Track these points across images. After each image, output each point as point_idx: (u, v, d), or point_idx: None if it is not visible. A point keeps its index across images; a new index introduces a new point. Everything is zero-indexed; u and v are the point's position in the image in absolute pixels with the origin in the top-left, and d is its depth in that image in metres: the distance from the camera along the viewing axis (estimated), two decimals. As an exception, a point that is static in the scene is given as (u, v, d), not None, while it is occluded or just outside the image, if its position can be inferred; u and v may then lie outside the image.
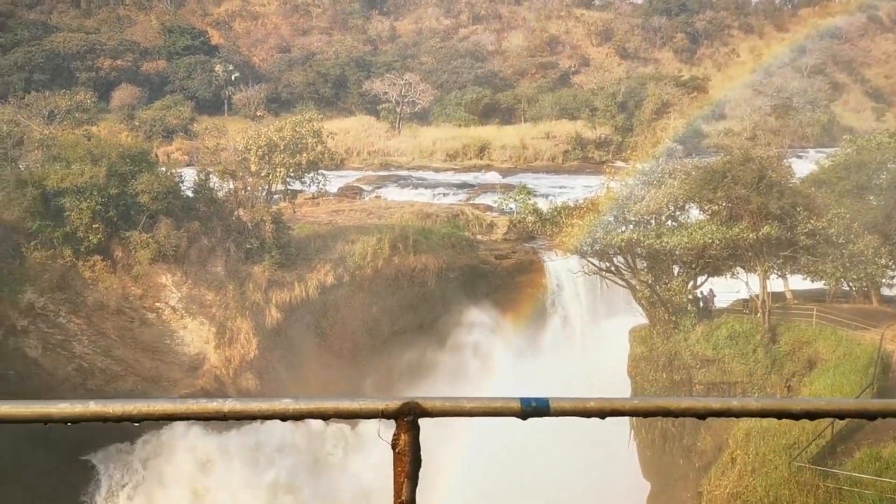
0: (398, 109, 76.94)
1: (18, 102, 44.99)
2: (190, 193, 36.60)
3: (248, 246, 36.13)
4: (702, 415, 2.37)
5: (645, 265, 33.33)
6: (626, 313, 35.03)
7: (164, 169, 36.61)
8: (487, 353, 39.46)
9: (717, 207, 31.63)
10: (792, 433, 24.75)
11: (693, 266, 32.49)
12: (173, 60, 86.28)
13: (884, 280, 32.60)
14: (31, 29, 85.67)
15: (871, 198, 33.01)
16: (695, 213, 33.70)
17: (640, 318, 34.20)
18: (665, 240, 31.08)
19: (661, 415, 2.38)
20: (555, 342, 40.38)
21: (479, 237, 44.02)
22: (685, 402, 2.36)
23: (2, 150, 36.10)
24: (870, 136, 40.82)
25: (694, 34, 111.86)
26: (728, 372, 31.23)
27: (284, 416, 2.18)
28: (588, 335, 40.85)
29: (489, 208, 50.11)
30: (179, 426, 32.59)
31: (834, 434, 24.09)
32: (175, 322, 34.54)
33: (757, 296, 31.81)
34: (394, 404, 2.22)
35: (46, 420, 2.09)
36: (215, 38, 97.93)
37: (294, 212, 40.61)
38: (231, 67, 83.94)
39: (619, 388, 33.59)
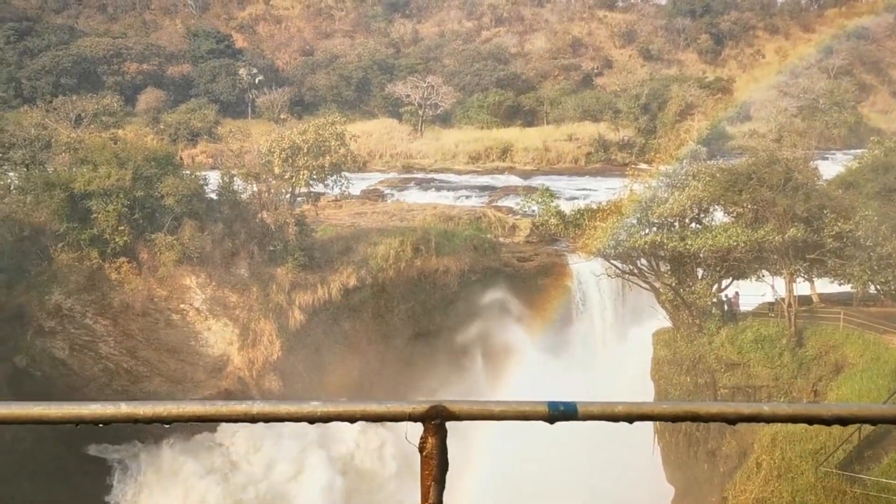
0: (420, 112, 77.07)
1: (46, 106, 45.59)
2: (214, 196, 36.90)
3: (272, 248, 36.36)
4: (732, 420, 2.34)
5: (668, 268, 33.11)
6: (651, 317, 34.81)
7: (188, 172, 36.94)
8: (510, 356, 39.39)
9: (741, 210, 31.36)
10: (818, 438, 24.45)
11: (717, 269, 32.23)
12: (198, 64, 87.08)
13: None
14: (59, 34, 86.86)
15: (900, 200, 32.54)
16: (719, 216, 33.44)
17: (663, 321, 33.98)
18: (689, 242, 30.86)
19: (690, 419, 2.36)
20: (579, 344, 40.20)
21: (501, 239, 43.97)
22: (715, 407, 2.34)
23: (30, 153, 36.61)
24: (898, 138, 40.27)
25: (718, 35, 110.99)
26: (753, 376, 30.93)
27: (312, 419, 2.19)
28: (612, 338, 40.64)
29: (511, 211, 50.04)
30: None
31: (861, 439, 23.77)
32: (199, 323, 34.82)
33: (783, 299, 31.48)
34: (421, 407, 2.22)
35: (78, 421, 2.12)
36: (239, 41, 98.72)
37: (317, 214, 40.80)
38: (255, 71, 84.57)
39: (644, 392, 33.41)
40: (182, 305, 34.79)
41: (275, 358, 35.10)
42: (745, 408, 2.28)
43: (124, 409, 2.12)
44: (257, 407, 2.16)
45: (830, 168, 43.32)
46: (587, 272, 38.81)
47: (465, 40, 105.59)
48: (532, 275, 41.85)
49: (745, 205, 30.98)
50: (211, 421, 2.18)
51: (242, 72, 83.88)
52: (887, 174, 33.70)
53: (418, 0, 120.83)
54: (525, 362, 38.90)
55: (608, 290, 39.75)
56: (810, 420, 2.33)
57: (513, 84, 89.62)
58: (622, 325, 40.47)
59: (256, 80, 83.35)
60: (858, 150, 50.30)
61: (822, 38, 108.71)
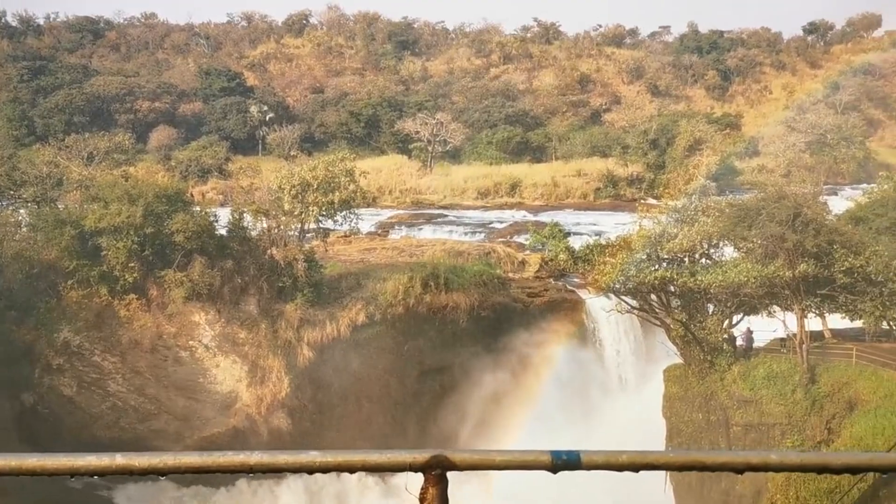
0: (430, 148, 77.56)
1: (58, 144, 46.13)
2: (224, 232, 37.08)
3: (281, 284, 36.39)
4: (740, 469, 2.30)
5: (679, 303, 32.93)
6: (665, 353, 34.54)
7: (198, 208, 37.17)
8: (521, 392, 39.10)
9: (751, 245, 31.24)
10: (833, 477, 24.04)
11: (728, 304, 32.02)
12: (209, 102, 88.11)
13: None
14: (72, 72, 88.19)
15: (911, 235, 32.36)
16: (729, 251, 33.31)
17: (674, 358, 33.71)
18: (699, 278, 30.72)
19: (697, 469, 2.31)
20: (589, 382, 39.87)
21: (510, 275, 43.91)
22: (722, 456, 2.29)
23: (41, 190, 36.96)
24: (907, 173, 40.19)
25: (725, 72, 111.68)
26: (766, 413, 30.55)
27: (311, 469, 2.15)
28: (626, 377, 40.33)
29: (521, 246, 50.04)
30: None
31: (876, 478, 23.36)
32: (208, 360, 34.76)
33: (794, 335, 31.21)
34: (421, 457, 2.18)
35: (73, 473, 2.09)
36: (250, 79, 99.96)
37: (326, 250, 40.90)
38: (265, 108, 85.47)
39: (657, 431, 33.05)
40: (191, 342, 34.76)
41: (283, 395, 34.93)
42: (754, 456, 2.24)
43: (119, 460, 2.09)
44: (255, 457, 2.13)
45: (840, 203, 43.21)
46: (597, 308, 38.63)
47: (474, 77, 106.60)
48: (541, 311, 41.69)
49: (754, 240, 30.87)
50: (208, 472, 2.15)
51: (253, 109, 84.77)
52: (897, 209, 33.58)
53: (427, 38, 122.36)
54: (535, 402, 38.58)
55: (621, 326, 39.54)
56: (819, 469, 2.28)
57: (521, 120, 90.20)
58: (637, 360, 40.18)
59: (267, 118, 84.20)
60: (867, 185, 50.22)
61: (828, 74, 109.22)
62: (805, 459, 2.26)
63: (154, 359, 34.25)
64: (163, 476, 2.13)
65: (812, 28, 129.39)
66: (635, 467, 2.27)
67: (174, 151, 72.91)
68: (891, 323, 31.93)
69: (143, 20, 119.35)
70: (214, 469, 2.12)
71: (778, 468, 2.24)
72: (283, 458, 2.14)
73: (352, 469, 2.17)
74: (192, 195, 46.88)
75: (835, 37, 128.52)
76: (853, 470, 2.26)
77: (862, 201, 37.51)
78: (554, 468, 2.23)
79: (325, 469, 2.15)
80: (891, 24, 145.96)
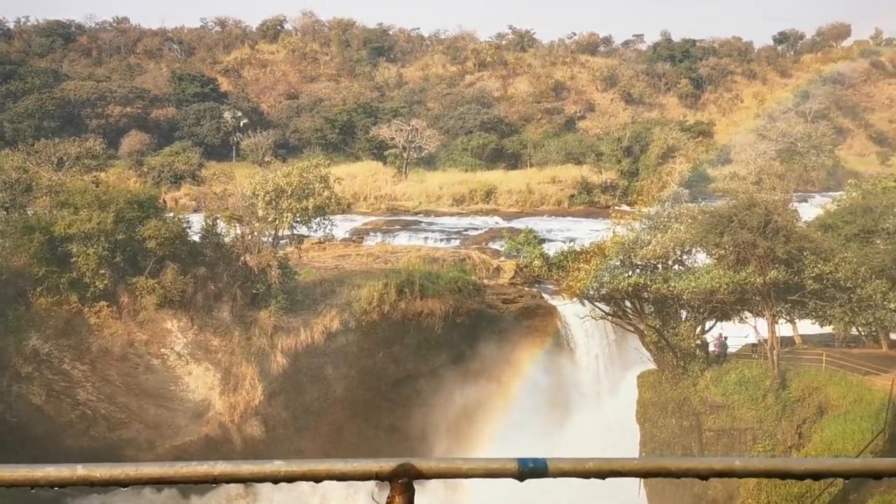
0: (405, 155, 77.56)
1: (28, 149, 45.50)
2: (197, 239, 36.77)
3: (255, 291, 36.15)
4: (704, 475, 2.31)
5: (652, 309, 33.17)
6: (639, 359, 34.76)
7: (171, 215, 36.84)
8: (493, 403, 39.12)
9: (723, 252, 31.56)
10: (804, 482, 24.31)
11: (701, 310, 32.32)
12: (183, 107, 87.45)
13: (893, 324, 32.31)
14: (43, 77, 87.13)
15: (878, 242, 32.89)
16: (701, 258, 33.62)
17: (648, 364, 33.93)
18: (672, 284, 30.97)
19: (662, 475, 2.32)
20: (564, 387, 40.01)
21: (485, 281, 43.98)
22: (686, 463, 2.30)
23: (10, 196, 36.42)
24: (875, 181, 40.89)
25: (698, 80, 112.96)
26: (738, 418, 30.83)
27: (276, 479, 2.13)
28: (601, 382, 40.52)
29: (496, 253, 50.15)
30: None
31: (845, 483, 23.65)
32: (180, 368, 34.41)
33: (765, 340, 31.55)
34: (388, 466, 2.17)
35: (32, 484, 2.05)
36: (224, 85, 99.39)
37: (300, 257, 40.70)
38: (240, 114, 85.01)
39: (632, 437, 33.23)
40: (163, 350, 34.39)
41: (257, 403, 34.66)
42: (717, 463, 2.25)
43: (80, 471, 2.06)
44: (219, 468, 2.10)
45: (809, 210, 43.80)
46: (571, 314, 38.81)
47: (450, 84, 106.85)
48: (516, 317, 41.79)
49: (726, 247, 31.19)
50: (171, 483, 2.12)
51: (227, 115, 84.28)
52: (865, 216, 34.10)
53: (402, 44, 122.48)
54: (511, 408, 38.63)
55: (596, 332, 39.74)
56: (782, 475, 2.30)
57: (496, 127, 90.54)
58: (611, 366, 40.40)
59: (241, 124, 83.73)
60: (836, 193, 51.02)
61: (798, 83, 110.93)
62: (768, 465, 2.28)
63: (125, 367, 33.84)
64: (124, 488, 2.10)
65: (782, 38, 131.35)
66: (601, 474, 2.27)
67: (146, 157, 72.23)
68: (859, 328, 32.40)
69: (115, 24, 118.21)
70: (178, 480, 2.10)
71: (742, 474, 2.25)
72: (246, 467, 2.11)
73: (317, 478, 2.15)
74: (164, 201, 46.42)
75: (804, 46, 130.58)
76: (815, 475, 2.29)
77: (831, 209, 38.07)
78: (521, 476, 2.23)
79: (289, 479, 2.13)
80: (859, 35, 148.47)
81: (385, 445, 37.10)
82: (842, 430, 26.53)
